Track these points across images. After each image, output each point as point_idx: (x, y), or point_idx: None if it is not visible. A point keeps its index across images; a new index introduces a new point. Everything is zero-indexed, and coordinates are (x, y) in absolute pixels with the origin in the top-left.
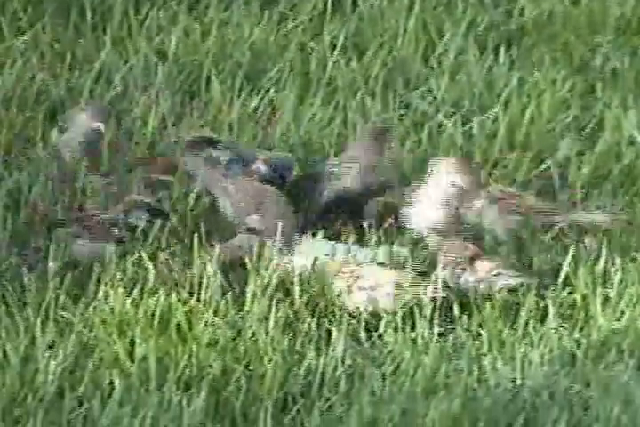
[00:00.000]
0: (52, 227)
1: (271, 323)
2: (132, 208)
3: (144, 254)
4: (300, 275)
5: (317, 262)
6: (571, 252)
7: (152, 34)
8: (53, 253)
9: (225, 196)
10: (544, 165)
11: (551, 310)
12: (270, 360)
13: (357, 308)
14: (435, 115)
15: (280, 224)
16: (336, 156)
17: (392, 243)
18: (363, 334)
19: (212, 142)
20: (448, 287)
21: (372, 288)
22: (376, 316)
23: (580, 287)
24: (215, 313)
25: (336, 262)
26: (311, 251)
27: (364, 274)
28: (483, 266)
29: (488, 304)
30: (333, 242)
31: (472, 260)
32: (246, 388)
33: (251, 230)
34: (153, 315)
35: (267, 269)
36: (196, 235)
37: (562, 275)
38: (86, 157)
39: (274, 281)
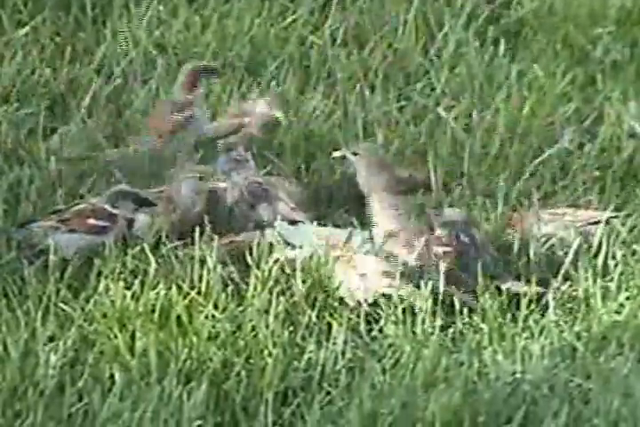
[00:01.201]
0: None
1: (271, 316)
2: (118, 198)
3: (146, 247)
4: (302, 263)
5: (317, 249)
6: (572, 245)
7: (152, 27)
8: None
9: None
10: (544, 155)
11: (551, 303)
12: (270, 354)
13: (359, 301)
14: (435, 107)
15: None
16: (335, 149)
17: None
18: (363, 327)
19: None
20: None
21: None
22: (376, 307)
23: (581, 280)
24: (215, 306)
25: (335, 248)
26: (309, 238)
27: (359, 262)
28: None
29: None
30: (330, 227)
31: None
32: (246, 381)
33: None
34: (153, 308)
35: (267, 262)
36: (197, 228)
37: (563, 268)
38: None
39: (274, 274)
